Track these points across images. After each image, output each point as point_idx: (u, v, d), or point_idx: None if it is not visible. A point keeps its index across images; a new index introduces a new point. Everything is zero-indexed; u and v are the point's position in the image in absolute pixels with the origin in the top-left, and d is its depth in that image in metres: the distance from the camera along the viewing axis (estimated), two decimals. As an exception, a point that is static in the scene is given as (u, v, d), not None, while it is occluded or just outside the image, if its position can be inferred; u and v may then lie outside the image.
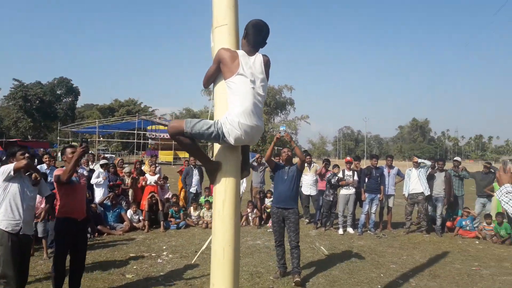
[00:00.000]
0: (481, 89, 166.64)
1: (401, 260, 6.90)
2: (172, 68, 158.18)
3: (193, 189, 10.62)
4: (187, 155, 18.81)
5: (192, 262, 6.29)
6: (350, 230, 9.24)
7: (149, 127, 45.13)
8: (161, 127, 42.31)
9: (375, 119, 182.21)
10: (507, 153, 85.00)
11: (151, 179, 10.00)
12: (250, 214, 9.93)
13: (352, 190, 9.23)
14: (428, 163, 9.30)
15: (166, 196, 10.35)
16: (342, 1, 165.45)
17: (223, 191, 2.96)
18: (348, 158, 9.97)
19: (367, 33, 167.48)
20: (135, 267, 6.30)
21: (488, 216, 8.75)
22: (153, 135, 44.28)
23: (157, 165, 10.56)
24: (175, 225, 9.39)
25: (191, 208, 9.93)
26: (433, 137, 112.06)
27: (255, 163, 10.82)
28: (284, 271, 5.96)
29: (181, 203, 10.59)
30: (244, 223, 9.79)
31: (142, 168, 11.05)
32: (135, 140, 44.33)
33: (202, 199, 10.38)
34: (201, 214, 9.82)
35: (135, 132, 44.23)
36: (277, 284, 5.58)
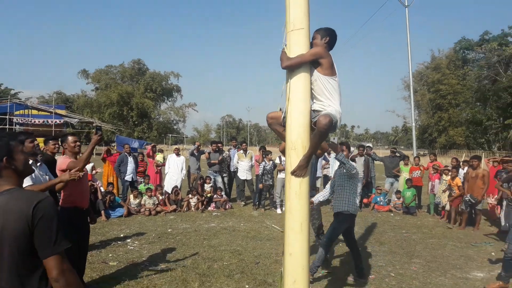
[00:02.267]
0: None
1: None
2: (37, 47, 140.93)
3: (128, 177, 10.36)
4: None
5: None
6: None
7: (18, 112, 40.06)
8: (34, 111, 38.13)
9: (256, 108, 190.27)
10: (366, 140, 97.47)
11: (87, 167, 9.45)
12: (191, 200, 10.14)
13: (288, 174, 10.14)
14: (352, 149, 10.73)
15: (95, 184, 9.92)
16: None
17: (301, 211, 3.49)
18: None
19: (256, 23, 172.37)
20: (110, 254, 6.19)
21: (397, 192, 10.56)
22: (23, 120, 39.46)
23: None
24: (117, 214, 9.15)
25: (131, 196, 9.72)
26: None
27: (195, 152, 11.02)
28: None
29: (115, 191, 10.27)
30: (185, 209, 9.99)
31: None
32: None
33: (142, 187, 10.22)
34: (142, 202, 9.69)
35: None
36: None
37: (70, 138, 4.53)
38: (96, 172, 9.96)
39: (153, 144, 12.08)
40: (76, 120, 30.74)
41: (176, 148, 11.50)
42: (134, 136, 48.84)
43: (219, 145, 11.36)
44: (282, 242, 6.81)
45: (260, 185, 10.34)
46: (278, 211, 10.05)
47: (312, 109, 3.52)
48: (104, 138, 5.07)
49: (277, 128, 3.75)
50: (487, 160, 10.92)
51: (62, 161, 4.40)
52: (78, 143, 4.53)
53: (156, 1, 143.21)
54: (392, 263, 6.07)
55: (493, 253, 6.69)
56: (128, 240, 7.12)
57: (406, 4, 21.86)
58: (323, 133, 3.27)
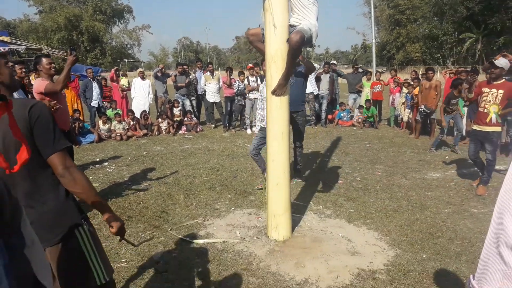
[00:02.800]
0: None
1: (312, 146, 8.52)
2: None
3: (94, 103, 10.19)
4: None
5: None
6: (255, 129, 10.49)
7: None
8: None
9: (214, 29, 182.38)
10: (326, 59, 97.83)
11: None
12: (162, 124, 10.20)
13: (257, 94, 10.29)
14: (317, 66, 10.91)
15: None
16: None
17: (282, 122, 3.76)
18: (250, 64, 10.86)
19: None
20: (90, 177, 6.33)
21: (360, 107, 11.07)
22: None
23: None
24: (88, 140, 9.15)
25: (100, 122, 9.64)
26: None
27: (159, 74, 10.81)
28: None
29: (81, 117, 10.12)
30: (156, 133, 10.09)
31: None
32: None
33: (110, 112, 10.10)
34: (112, 127, 9.66)
35: None
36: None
37: (44, 60, 4.43)
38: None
39: (116, 68, 11.68)
40: (23, 47, 28.47)
41: (140, 71, 11.22)
42: (87, 63, 46.38)
43: (185, 67, 11.18)
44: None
45: (251, 95, 10.18)
46: (248, 131, 10.36)
47: (289, 23, 3.62)
48: (78, 59, 4.95)
49: (258, 45, 3.86)
50: (444, 72, 11.46)
51: (39, 83, 4.34)
52: (53, 65, 4.44)
53: None
54: (357, 169, 6.63)
55: (447, 157, 7.40)
56: (106, 164, 7.26)
57: None
58: (295, 50, 3.40)
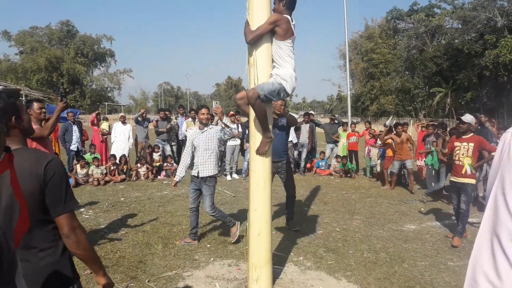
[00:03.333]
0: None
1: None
2: None
3: (73, 147, 10.07)
4: None
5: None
6: (235, 176, 10.56)
7: None
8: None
9: (195, 75, 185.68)
10: (303, 109, 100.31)
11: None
12: (140, 169, 10.13)
13: (237, 141, 10.45)
14: (296, 115, 11.24)
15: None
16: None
17: (264, 171, 3.85)
18: (231, 112, 11.08)
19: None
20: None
21: (337, 156, 11.33)
22: None
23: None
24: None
25: (78, 166, 9.50)
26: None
27: (140, 118, 10.87)
28: None
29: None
30: (134, 178, 9.98)
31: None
32: None
33: (88, 156, 9.99)
34: (90, 172, 9.52)
35: None
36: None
37: (35, 104, 4.45)
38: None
39: (97, 112, 11.68)
40: (1, 87, 28.31)
41: (122, 115, 11.27)
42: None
43: (167, 112, 11.31)
44: (235, 207, 7.18)
45: (236, 133, 10.20)
46: (228, 177, 10.37)
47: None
48: (68, 106, 4.99)
49: (245, 109, 3.93)
50: (416, 125, 11.97)
51: None
52: (44, 110, 4.46)
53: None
54: (336, 219, 6.70)
55: (422, 209, 7.58)
56: (82, 210, 7.09)
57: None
58: (253, 105, 3.51)
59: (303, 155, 11.25)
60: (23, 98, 31.21)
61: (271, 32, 3.58)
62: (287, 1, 3.58)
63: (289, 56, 3.55)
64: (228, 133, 5.35)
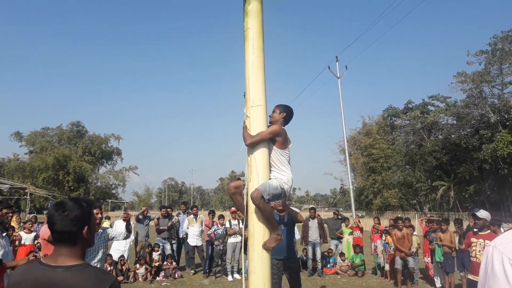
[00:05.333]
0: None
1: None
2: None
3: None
4: None
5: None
6: (237, 276, 10.16)
7: None
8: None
9: (199, 170, 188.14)
10: (307, 202, 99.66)
11: (26, 237, 9.00)
12: (139, 270, 9.81)
13: (238, 238, 10.25)
14: (297, 210, 11.15)
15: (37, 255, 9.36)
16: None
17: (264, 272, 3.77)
18: (233, 208, 11.05)
19: (198, 87, 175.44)
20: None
21: (342, 254, 11.00)
22: None
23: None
24: None
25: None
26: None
27: (140, 216, 10.85)
28: None
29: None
30: (132, 280, 9.62)
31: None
32: None
33: (86, 256, 9.75)
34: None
35: None
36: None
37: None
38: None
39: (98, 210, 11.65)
40: (7, 186, 28.66)
41: (124, 213, 11.23)
42: (69, 202, 46.07)
43: (169, 210, 11.30)
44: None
45: (216, 242, 10.17)
46: (229, 278, 9.97)
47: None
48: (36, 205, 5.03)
49: (238, 198, 4.05)
50: (420, 221, 11.82)
51: (45, 230, 4.36)
52: None
53: (100, 69, 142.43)
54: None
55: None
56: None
57: (338, 76, 23.91)
58: (257, 205, 3.56)
59: (318, 255, 10.54)
60: (28, 197, 31.43)
61: (270, 139, 3.82)
62: (287, 116, 3.95)
63: (288, 163, 3.81)
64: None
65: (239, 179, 4.23)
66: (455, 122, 40.46)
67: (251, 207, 3.81)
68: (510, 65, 34.13)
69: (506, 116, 34.98)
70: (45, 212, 25.68)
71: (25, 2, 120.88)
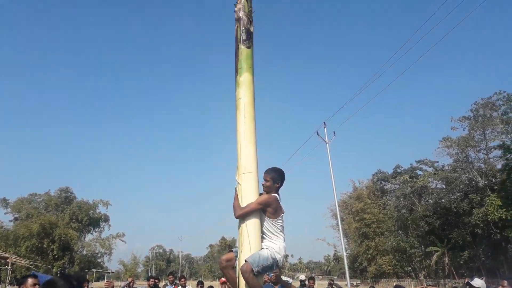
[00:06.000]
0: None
1: None
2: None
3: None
4: None
5: None
6: None
7: None
8: None
9: (188, 238, 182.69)
10: (300, 270, 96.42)
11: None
12: None
13: (229, 310, 9.86)
14: (290, 280, 10.87)
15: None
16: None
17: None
18: (223, 279, 10.75)
19: (187, 150, 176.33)
20: None
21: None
22: None
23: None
24: None
25: None
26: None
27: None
28: None
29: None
30: None
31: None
32: None
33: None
34: None
35: None
36: None
37: (30, 280, 4.41)
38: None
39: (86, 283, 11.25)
40: (-13, 255, 27.61)
41: (108, 281, 10.85)
42: (52, 272, 44.14)
43: (156, 280, 10.93)
44: None
45: None
46: None
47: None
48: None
49: (230, 272, 3.95)
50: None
51: None
52: (37, 286, 4.43)
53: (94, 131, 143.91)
54: None
55: None
56: None
57: (327, 141, 24.39)
58: (246, 280, 3.52)
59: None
60: (9, 267, 30.10)
61: (261, 209, 3.85)
62: (280, 185, 3.97)
63: (281, 231, 3.81)
64: None
65: (231, 250, 4.19)
66: (444, 186, 40.81)
67: (243, 281, 3.74)
68: (492, 130, 35.32)
69: (493, 180, 35.50)
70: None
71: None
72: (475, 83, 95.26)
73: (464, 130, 38.23)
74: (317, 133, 24.64)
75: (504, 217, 30.33)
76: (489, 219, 32.35)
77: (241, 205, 3.83)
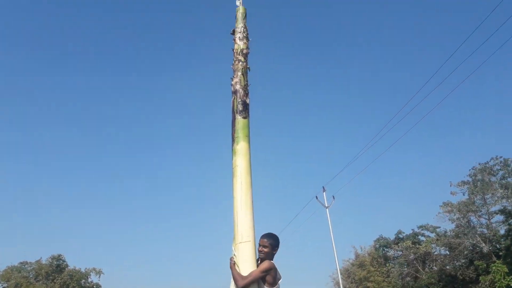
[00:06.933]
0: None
1: None
2: None
3: None
4: None
5: None
6: None
7: None
8: None
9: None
10: None
11: None
12: None
13: None
14: None
15: None
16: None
17: None
18: None
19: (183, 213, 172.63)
20: None
21: None
22: None
23: None
24: None
25: None
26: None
27: None
28: None
29: None
30: None
31: None
32: None
33: None
34: None
35: None
36: None
37: None
38: None
39: None
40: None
41: None
42: None
43: None
44: None
45: None
46: None
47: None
48: None
49: None
50: None
51: None
52: None
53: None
54: None
55: None
56: None
57: (326, 205, 24.16)
58: None
59: None
60: None
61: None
62: (276, 250, 4.06)
63: None
64: None
65: None
66: (447, 252, 39.72)
67: None
68: (492, 195, 35.08)
69: (497, 246, 34.63)
70: None
71: None
72: (473, 148, 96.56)
73: (464, 194, 38.00)
74: (316, 198, 24.54)
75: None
76: (496, 286, 31.09)
77: (241, 274, 3.80)
